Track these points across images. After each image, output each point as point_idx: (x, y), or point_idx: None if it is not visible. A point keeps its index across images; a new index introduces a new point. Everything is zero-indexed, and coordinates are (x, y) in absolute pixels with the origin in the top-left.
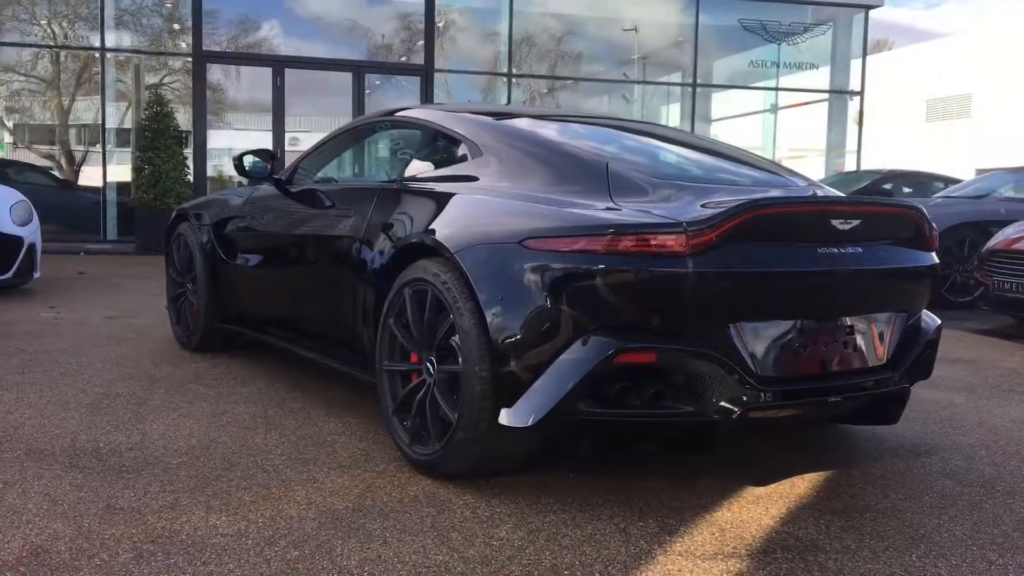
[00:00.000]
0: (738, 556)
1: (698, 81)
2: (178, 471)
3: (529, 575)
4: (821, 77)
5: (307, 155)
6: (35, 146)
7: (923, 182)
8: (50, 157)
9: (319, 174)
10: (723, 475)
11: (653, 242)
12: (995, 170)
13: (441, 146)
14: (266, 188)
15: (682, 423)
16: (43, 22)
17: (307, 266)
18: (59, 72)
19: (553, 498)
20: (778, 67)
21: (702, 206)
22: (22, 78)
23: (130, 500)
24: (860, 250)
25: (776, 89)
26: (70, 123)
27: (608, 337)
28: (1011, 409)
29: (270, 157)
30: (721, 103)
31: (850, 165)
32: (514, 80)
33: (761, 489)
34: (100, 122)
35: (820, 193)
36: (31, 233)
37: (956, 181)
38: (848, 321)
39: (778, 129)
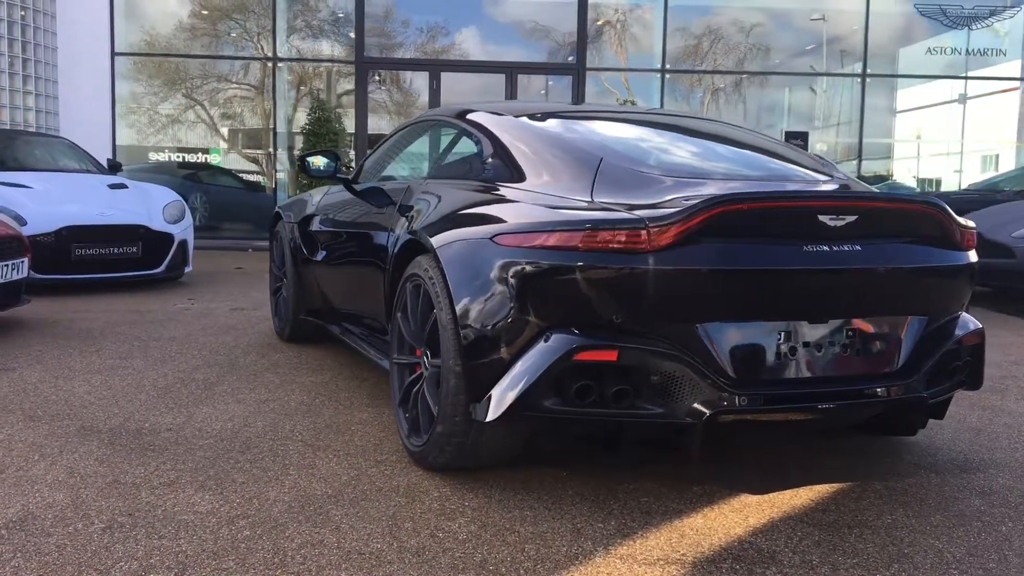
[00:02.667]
0: (681, 563)
1: (869, 71)
2: (197, 452)
3: (454, 568)
4: (1012, 64)
5: (372, 153)
6: (227, 151)
7: None
8: (234, 161)
9: (385, 171)
10: (724, 481)
11: (613, 239)
12: None
13: (465, 145)
14: (339, 188)
15: (651, 424)
16: (232, 34)
17: (355, 261)
18: (243, 81)
19: (530, 494)
20: (960, 53)
21: (684, 201)
22: (213, 88)
23: (136, 476)
24: (859, 248)
25: (965, 78)
26: (248, 128)
27: (569, 334)
28: None
29: (336, 157)
30: (906, 94)
31: None
32: (667, 76)
33: (754, 497)
34: (272, 127)
35: (827, 188)
36: (182, 231)
37: None
38: (846, 324)
39: (966, 120)
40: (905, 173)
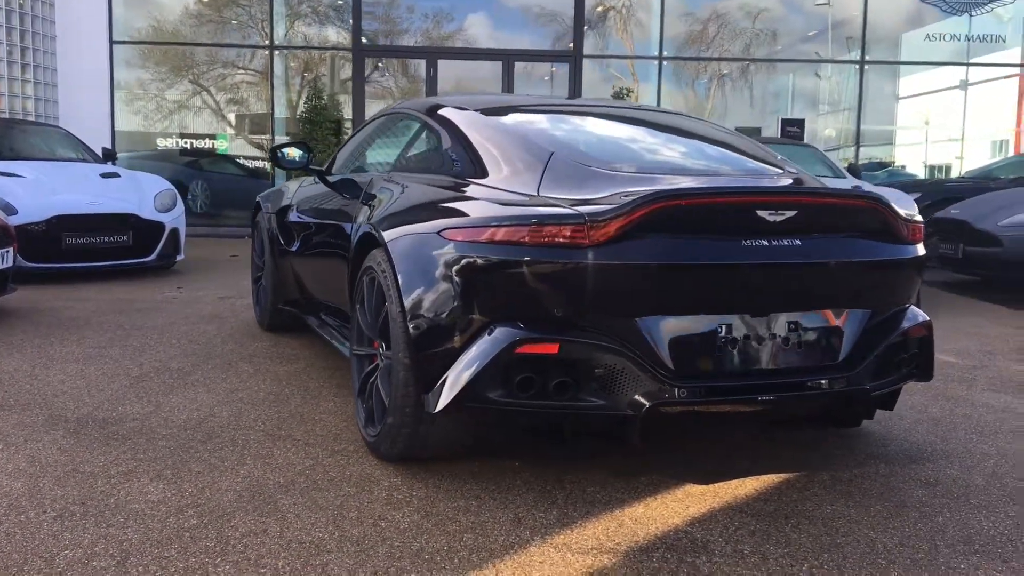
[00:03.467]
0: (614, 552)
1: (867, 57)
2: (159, 441)
3: (391, 556)
4: (1012, 50)
5: (346, 144)
6: (229, 139)
7: None
8: (235, 148)
9: (357, 163)
10: (673, 470)
11: (554, 234)
12: None
13: (428, 138)
14: (314, 179)
15: (593, 416)
16: (232, 22)
17: (326, 253)
18: (243, 69)
19: (479, 484)
20: (959, 39)
21: (626, 197)
22: (212, 76)
23: (95, 465)
24: (799, 243)
25: (965, 64)
26: (248, 116)
27: (512, 327)
28: None
29: (308, 149)
30: (907, 81)
31: None
32: (664, 63)
33: (699, 487)
34: (271, 115)
35: (770, 184)
36: (174, 219)
37: None
38: (787, 317)
39: (967, 107)
40: (904, 160)
